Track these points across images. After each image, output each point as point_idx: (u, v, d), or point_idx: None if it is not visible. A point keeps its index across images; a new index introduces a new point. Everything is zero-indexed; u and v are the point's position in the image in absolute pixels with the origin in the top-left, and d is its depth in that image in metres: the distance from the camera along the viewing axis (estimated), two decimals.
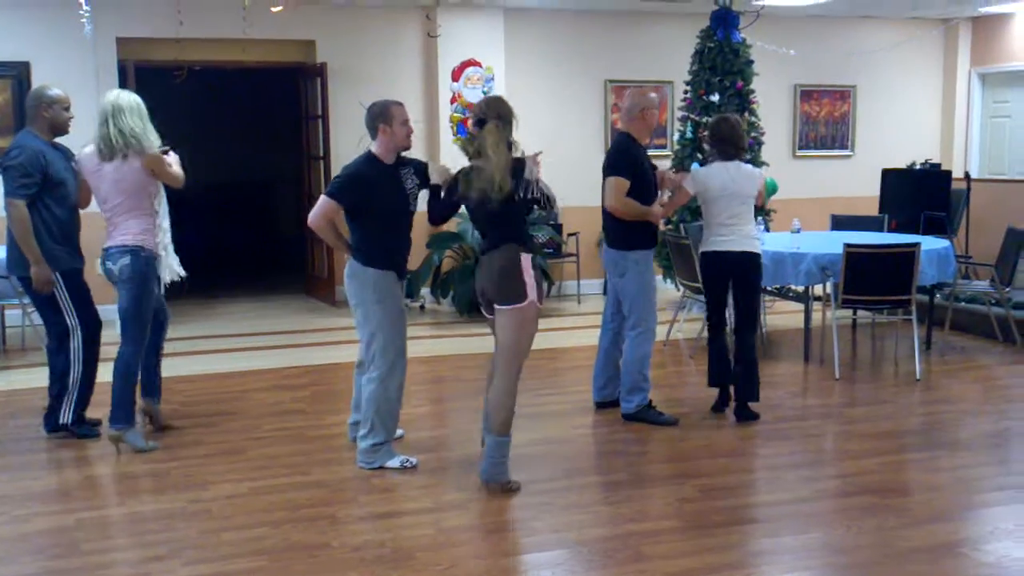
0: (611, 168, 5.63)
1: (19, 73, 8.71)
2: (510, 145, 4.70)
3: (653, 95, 5.83)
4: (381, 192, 4.92)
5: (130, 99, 5.36)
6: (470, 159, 4.76)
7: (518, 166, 4.65)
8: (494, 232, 4.72)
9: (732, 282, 5.81)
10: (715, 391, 6.02)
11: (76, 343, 5.48)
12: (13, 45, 8.72)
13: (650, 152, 6.28)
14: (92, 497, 4.79)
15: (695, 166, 6.40)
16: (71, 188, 5.48)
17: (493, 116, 4.69)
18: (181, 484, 4.84)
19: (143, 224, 5.36)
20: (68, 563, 3.99)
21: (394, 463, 5.02)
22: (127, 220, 5.32)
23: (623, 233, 5.69)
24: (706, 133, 6.09)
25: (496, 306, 4.67)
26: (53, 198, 5.39)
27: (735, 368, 5.84)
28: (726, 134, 5.80)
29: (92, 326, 5.56)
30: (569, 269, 10.20)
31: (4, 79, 8.71)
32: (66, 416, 5.53)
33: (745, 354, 5.81)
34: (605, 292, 10.30)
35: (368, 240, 4.96)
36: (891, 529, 4.22)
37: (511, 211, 4.68)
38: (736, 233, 5.72)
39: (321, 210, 4.94)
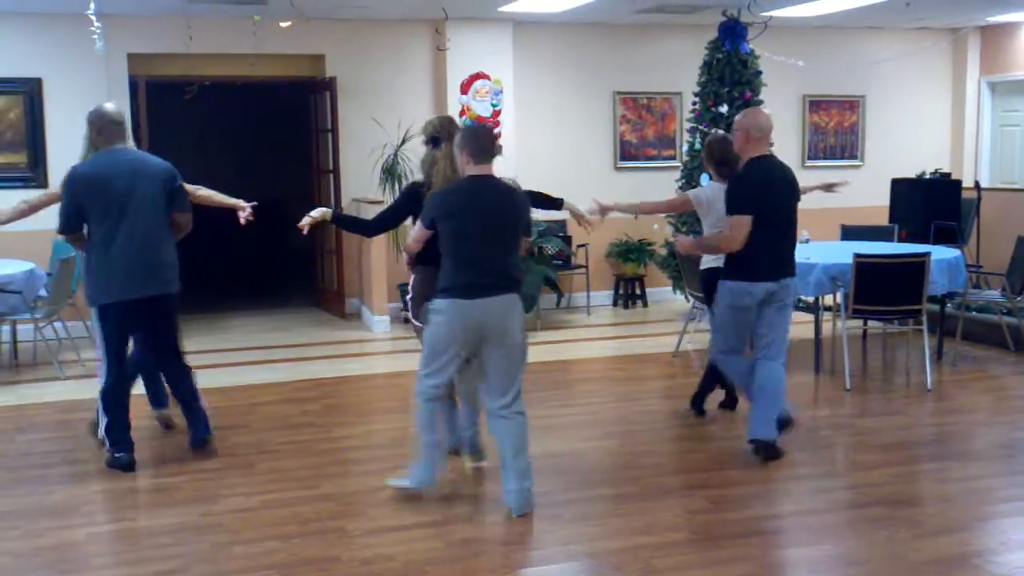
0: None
1: (31, 89, 8.78)
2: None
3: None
4: None
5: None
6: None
7: None
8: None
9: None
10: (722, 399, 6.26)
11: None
12: (25, 62, 8.79)
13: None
14: (102, 512, 4.80)
15: (704, 178, 6.39)
16: None
17: (446, 136, 4.80)
18: (191, 498, 4.85)
19: None
20: None
21: None
22: None
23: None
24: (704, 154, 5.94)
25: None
26: None
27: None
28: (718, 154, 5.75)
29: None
30: (578, 281, 10.20)
31: (16, 95, 8.77)
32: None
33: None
34: (615, 304, 10.36)
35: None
36: (903, 541, 4.20)
37: None
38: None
39: None
